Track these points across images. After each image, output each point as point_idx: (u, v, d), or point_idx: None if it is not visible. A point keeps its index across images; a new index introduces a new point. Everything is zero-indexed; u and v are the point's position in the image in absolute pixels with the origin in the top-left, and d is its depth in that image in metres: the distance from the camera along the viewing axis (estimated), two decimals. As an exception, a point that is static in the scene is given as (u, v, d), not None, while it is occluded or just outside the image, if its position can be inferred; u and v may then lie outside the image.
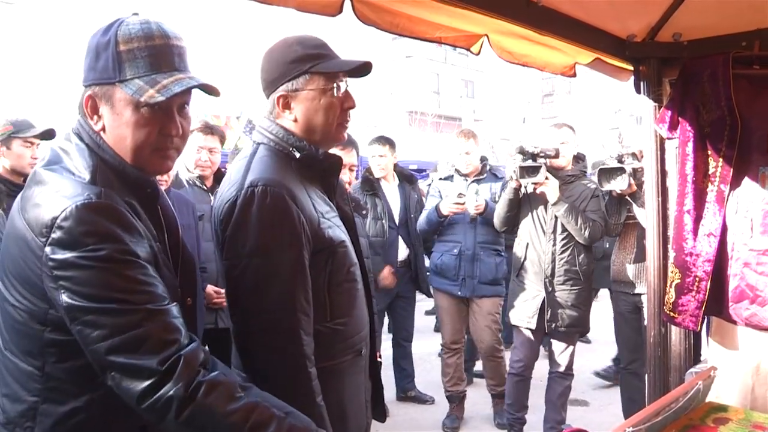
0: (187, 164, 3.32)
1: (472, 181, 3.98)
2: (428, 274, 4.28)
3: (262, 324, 1.40)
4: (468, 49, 2.23)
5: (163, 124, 1.21)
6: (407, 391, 4.55)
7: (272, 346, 1.40)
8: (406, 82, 29.35)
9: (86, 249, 1.07)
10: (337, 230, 1.57)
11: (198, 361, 1.11)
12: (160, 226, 1.31)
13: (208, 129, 3.34)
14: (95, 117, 1.22)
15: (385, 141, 4.35)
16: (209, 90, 1.26)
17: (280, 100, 1.55)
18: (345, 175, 2.85)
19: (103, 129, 1.22)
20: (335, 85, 1.54)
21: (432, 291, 4.23)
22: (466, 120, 12.36)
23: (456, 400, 4.10)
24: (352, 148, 2.87)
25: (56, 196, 1.11)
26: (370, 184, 4.23)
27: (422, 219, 4.05)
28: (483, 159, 4.12)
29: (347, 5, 1.81)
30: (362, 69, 1.58)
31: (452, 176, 4.10)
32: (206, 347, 1.18)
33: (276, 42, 1.59)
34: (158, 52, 1.19)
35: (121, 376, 1.08)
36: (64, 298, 1.07)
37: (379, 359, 2.99)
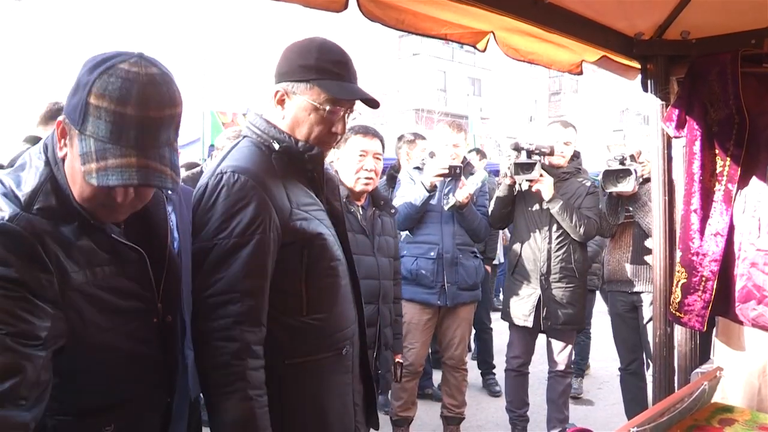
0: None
1: (451, 179, 3.55)
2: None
3: (209, 305, 1.38)
4: (474, 46, 2.22)
5: (109, 190, 1.15)
6: (425, 389, 4.49)
7: (213, 330, 1.37)
8: (413, 80, 29.31)
9: None
10: (314, 223, 1.54)
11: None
12: (127, 247, 1.26)
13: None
14: (62, 141, 1.16)
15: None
16: (151, 185, 1.17)
17: (277, 94, 1.55)
18: (370, 163, 2.78)
19: (65, 157, 1.16)
20: (329, 108, 1.52)
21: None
22: (472, 118, 12.30)
23: (404, 424, 3.62)
24: (375, 137, 2.83)
25: None
26: (395, 182, 4.11)
27: (403, 204, 3.48)
28: (464, 159, 3.76)
29: (353, 1, 1.80)
30: (366, 103, 1.57)
31: (425, 166, 3.62)
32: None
33: (306, 37, 1.58)
34: (124, 123, 1.09)
35: None
36: None
37: (400, 360, 2.99)
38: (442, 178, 3.45)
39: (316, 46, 1.54)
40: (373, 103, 1.59)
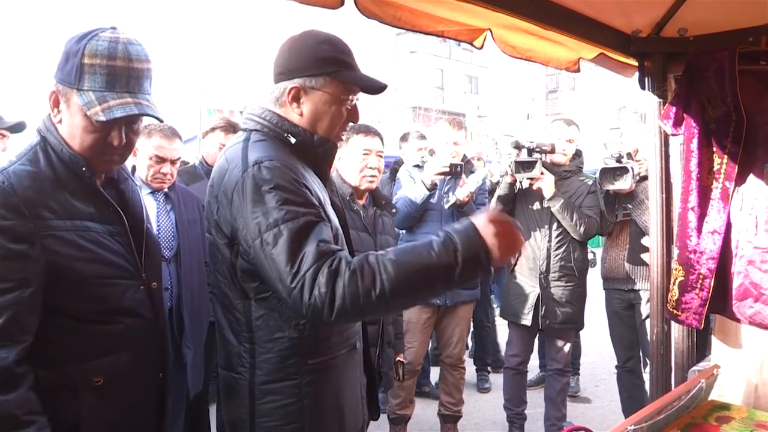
0: (208, 159, 3.37)
1: (451, 177, 3.54)
2: None
3: (310, 277, 1.29)
4: (471, 43, 2.22)
5: (107, 134, 1.36)
6: (422, 387, 4.50)
7: (326, 283, 1.28)
8: (410, 78, 29.28)
9: None
10: (333, 216, 1.54)
11: None
12: (113, 209, 1.42)
13: (231, 127, 3.37)
14: (55, 110, 1.38)
15: (424, 136, 4.53)
16: (151, 116, 1.39)
17: (291, 91, 1.52)
18: (374, 161, 2.80)
19: (60, 122, 1.37)
20: (350, 97, 1.55)
21: None
22: (470, 116, 12.32)
23: (401, 422, 3.60)
24: (376, 135, 2.85)
25: None
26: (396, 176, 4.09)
27: (403, 201, 3.45)
28: (464, 156, 3.76)
29: (349, -2, 1.80)
30: (380, 89, 1.58)
31: (425, 164, 3.59)
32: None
33: (304, 32, 1.56)
34: (116, 73, 1.33)
35: None
36: None
37: (401, 359, 3.00)
38: (442, 177, 3.44)
39: (326, 39, 1.53)
40: (382, 90, 1.59)
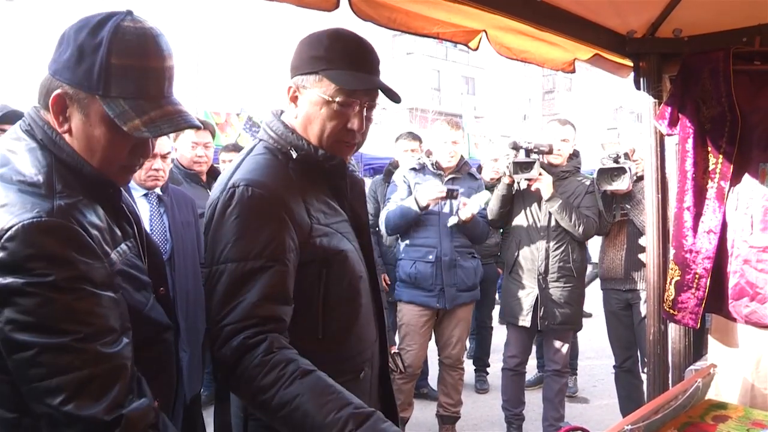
0: (182, 160, 3.34)
1: (449, 178, 3.55)
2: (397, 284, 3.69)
3: (228, 333, 1.25)
4: (466, 45, 2.22)
5: (135, 146, 1.15)
6: (420, 388, 4.49)
7: (233, 355, 1.23)
8: (407, 79, 29.31)
9: (31, 274, 0.96)
10: (336, 238, 1.41)
11: (145, 422, 1.02)
12: (129, 221, 1.26)
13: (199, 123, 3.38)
14: (61, 118, 1.10)
15: (416, 137, 4.54)
16: (197, 126, 1.23)
17: (290, 90, 1.43)
18: None
19: (69, 132, 1.11)
20: (340, 99, 1.38)
21: (398, 306, 3.65)
22: (466, 117, 12.31)
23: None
24: None
25: (1, 211, 0.99)
26: (391, 177, 4.09)
27: (394, 212, 3.47)
28: (462, 157, 3.73)
29: (344, 0, 1.80)
30: (386, 93, 1.45)
31: (424, 167, 3.61)
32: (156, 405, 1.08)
33: (321, 29, 1.45)
34: (151, 76, 1.10)
35: (58, 421, 0.97)
36: (2, 326, 0.96)
37: (396, 351, 2.98)
38: (438, 201, 3.40)
39: (327, 35, 1.41)
40: (391, 96, 1.46)
